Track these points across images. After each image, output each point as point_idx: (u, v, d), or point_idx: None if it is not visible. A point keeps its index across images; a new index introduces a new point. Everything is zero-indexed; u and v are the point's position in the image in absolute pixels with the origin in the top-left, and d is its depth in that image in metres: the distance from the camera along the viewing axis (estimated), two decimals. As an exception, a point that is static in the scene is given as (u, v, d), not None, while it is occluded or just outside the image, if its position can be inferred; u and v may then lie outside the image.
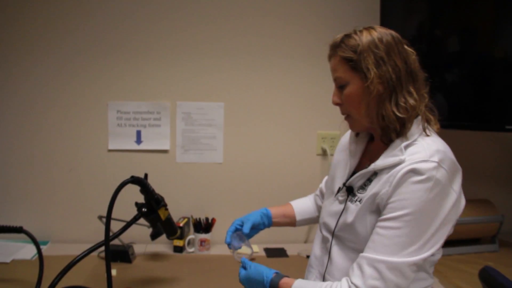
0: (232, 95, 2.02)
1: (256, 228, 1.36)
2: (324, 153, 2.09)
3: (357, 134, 1.23)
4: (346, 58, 1.07)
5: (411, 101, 1.05)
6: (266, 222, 1.39)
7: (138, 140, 2.00)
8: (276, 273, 1.13)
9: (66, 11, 1.91)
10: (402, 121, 1.04)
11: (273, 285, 1.11)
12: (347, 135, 1.28)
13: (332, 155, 2.06)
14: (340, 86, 1.11)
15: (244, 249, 1.29)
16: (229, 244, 1.29)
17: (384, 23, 1.85)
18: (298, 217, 1.44)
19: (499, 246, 1.92)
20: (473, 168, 1.87)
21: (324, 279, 1.17)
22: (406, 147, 1.03)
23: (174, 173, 2.03)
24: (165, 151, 2.03)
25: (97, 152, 1.99)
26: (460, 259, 1.81)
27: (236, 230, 1.32)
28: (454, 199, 1.01)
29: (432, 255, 1.02)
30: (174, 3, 1.96)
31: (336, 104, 1.14)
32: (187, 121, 2.02)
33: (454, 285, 1.55)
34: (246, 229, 1.30)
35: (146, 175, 1.41)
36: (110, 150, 2.00)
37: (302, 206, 1.47)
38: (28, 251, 1.82)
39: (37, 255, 1.46)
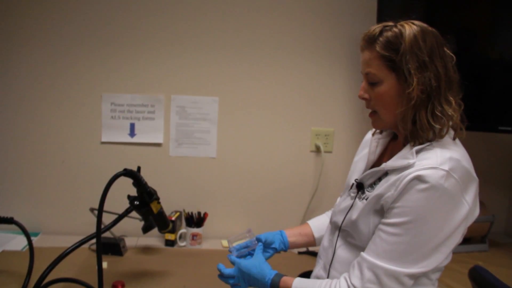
0: (227, 89, 2.02)
1: (270, 247, 1.31)
2: (317, 149, 2.09)
3: (381, 132, 1.20)
4: (385, 57, 1.00)
5: (450, 111, 1.00)
6: (281, 242, 1.33)
7: (132, 133, 1.99)
8: (276, 273, 1.14)
9: (60, 2, 1.89)
10: (435, 130, 0.99)
11: (273, 285, 1.11)
12: (370, 132, 1.24)
13: (326, 152, 2.08)
14: (371, 83, 1.05)
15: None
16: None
17: (380, 22, 1.84)
18: (316, 234, 1.37)
19: (489, 246, 1.94)
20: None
21: (328, 271, 1.17)
22: (419, 151, 0.99)
23: (167, 166, 2.03)
24: (158, 145, 2.02)
25: (90, 144, 1.98)
26: (450, 258, 1.83)
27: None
28: (466, 211, 0.96)
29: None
30: (171, -5, 1.95)
31: (363, 99, 1.09)
32: (181, 115, 2.01)
33: (444, 284, 1.56)
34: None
35: (139, 168, 1.40)
36: (103, 143, 1.99)
37: (319, 222, 1.40)
38: (18, 242, 1.81)
39: (27, 247, 1.45)
